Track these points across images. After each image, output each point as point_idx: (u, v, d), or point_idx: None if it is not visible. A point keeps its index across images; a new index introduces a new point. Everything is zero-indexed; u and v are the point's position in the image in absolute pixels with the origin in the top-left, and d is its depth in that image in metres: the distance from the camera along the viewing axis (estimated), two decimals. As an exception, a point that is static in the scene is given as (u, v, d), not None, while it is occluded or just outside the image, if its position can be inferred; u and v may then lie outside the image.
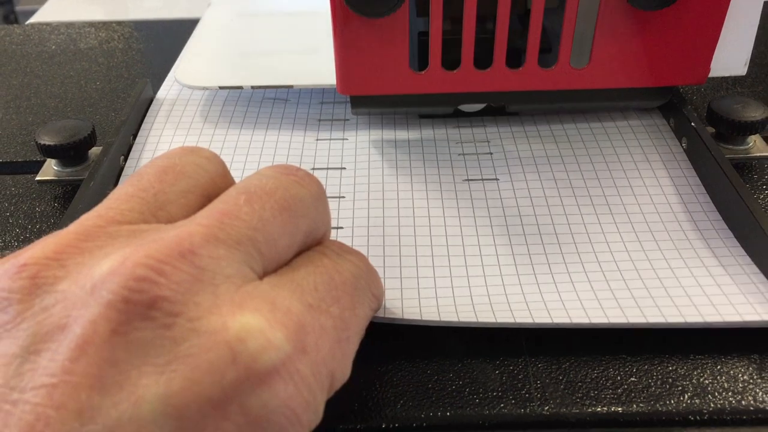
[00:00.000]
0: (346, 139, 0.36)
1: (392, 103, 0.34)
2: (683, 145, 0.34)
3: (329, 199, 0.31)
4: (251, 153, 0.34)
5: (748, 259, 0.27)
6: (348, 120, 0.37)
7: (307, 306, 0.18)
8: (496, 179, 0.32)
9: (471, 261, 0.28)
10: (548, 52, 0.33)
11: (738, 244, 0.28)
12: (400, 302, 0.26)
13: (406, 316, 0.25)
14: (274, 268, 0.19)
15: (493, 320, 0.24)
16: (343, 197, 0.31)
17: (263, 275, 0.19)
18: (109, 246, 0.18)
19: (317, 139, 0.36)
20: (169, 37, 0.48)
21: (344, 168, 0.33)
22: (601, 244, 0.29)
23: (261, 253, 0.18)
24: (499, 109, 0.36)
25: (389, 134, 0.36)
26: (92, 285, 0.16)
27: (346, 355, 0.20)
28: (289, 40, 0.41)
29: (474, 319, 0.25)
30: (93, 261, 0.17)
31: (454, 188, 0.32)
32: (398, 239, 0.29)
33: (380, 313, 0.24)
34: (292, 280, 0.19)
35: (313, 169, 0.33)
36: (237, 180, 0.22)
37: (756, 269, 0.27)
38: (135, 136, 0.36)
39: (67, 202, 0.32)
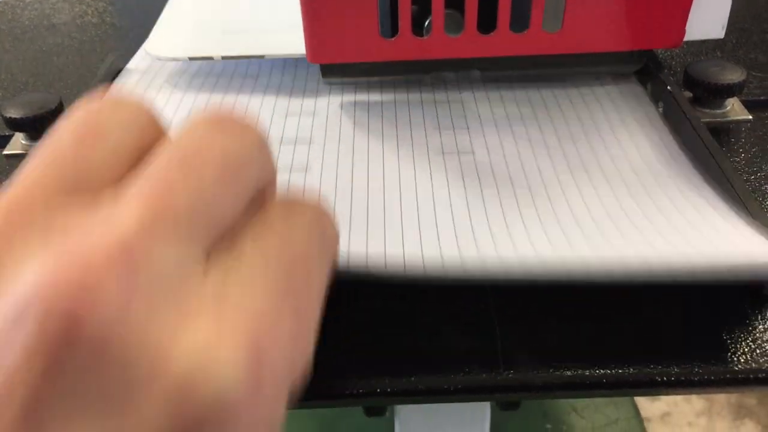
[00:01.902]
0: (319, 105, 0.35)
1: (362, 71, 0.33)
2: (660, 109, 0.33)
3: (293, 172, 0.30)
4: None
5: (723, 203, 0.27)
6: (320, 89, 0.37)
7: (259, 298, 0.16)
8: (470, 143, 0.32)
9: (441, 213, 0.27)
10: (520, 17, 0.33)
11: (715, 193, 0.28)
12: (364, 251, 0.24)
13: (371, 269, 0.23)
14: (218, 240, 0.17)
15: (459, 264, 0.24)
16: (310, 168, 0.31)
17: (208, 256, 0.17)
18: (27, 237, 0.15)
19: (289, 98, 0.35)
20: (143, 12, 0.47)
21: (312, 142, 0.32)
22: (576, 198, 0.28)
23: (203, 231, 0.16)
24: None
25: (362, 97, 0.35)
26: (6, 312, 0.14)
27: (306, 346, 0.18)
28: (262, 14, 0.40)
29: (441, 268, 0.23)
30: (7, 266, 0.15)
31: (427, 151, 0.31)
32: (366, 185, 0.28)
33: (343, 264, 0.23)
34: (239, 267, 0.17)
35: (282, 140, 0.33)
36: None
37: (731, 210, 0.26)
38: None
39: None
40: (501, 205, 0.27)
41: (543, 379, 0.22)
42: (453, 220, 0.26)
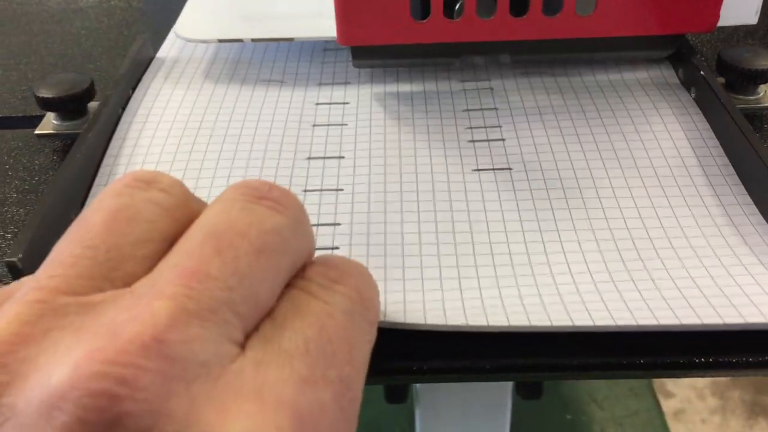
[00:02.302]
0: (348, 88, 0.35)
1: (393, 54, 0.33)
2: (692, 95, 0.33)
3: (328, 159, 0.30)
4: (251, 109, 0.34)
5: (754, 209, 0.27)
6: (350, 73, 0.37)
7: (301, 383, 0.15)
8: (503, 139, 0.31)
9: (480, 250, 0.26)
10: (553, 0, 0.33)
11: (745, 192, 0.28)
12: (402, 305, 0.23)
13: (408, 320, 0.22)
14: (256, 324, 0.16)
15: (505, 323, 0.22)
16: (343, 157, 0.31)
17: (245, 340, 0.16)
18: (57, 331, 0.15)
19: (320, 84, 0.35)
20: (170, -4, 0.48)
21: (345, 125, 0.33)
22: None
23: (240, 316, 0.16)
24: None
25: (392, 87, 0.35)
26: (41, 403, 0.13)
27: (351, 420, 0.17)
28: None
29: (485, 323, 0.22)
30: (40, 360, 0.14)
31: (459, 152, 0.30)
32: (400, 227, 0.27)
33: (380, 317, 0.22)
34: (279, 348, 0.16)
35: (315, 125, 0.33)
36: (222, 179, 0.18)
37: (761, 219, 0.26)
38: (134, 89, 0.35)
39: (65, 155, 0.32)
40: (537, 221, 0.27)
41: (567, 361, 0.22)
42: (492, 251, 0.25)
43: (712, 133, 0.31)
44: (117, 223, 0.17)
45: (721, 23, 0.32)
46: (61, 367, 0.14)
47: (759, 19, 0.34)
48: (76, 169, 0.28)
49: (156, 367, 0.14)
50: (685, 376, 0.23)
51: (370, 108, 0.34)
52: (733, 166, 0.29)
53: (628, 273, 0.24)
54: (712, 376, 0.23)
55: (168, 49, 0.39)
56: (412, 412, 0.53)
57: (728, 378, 0.97)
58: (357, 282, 0.19)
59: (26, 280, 0.17)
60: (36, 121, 0.33)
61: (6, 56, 0.41)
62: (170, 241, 0.17)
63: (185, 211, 0.18)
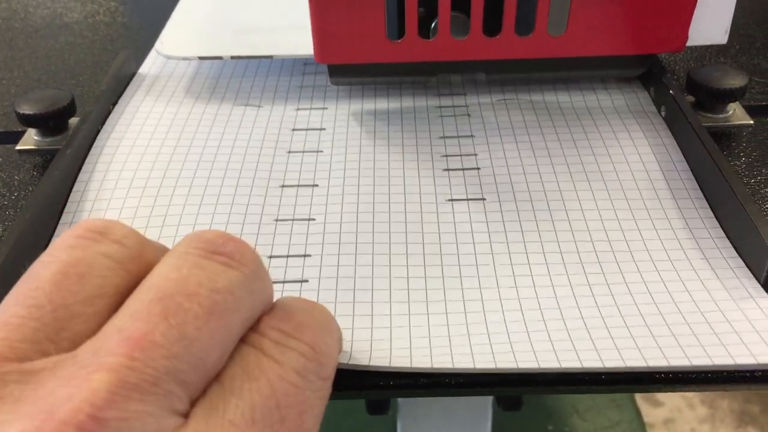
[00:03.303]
0: (326, 108, 0.36)
1: (370, 72, 0.34)
2: (662, 113, 0.34)
3: (301, 188, 0.30)
4: (227, 133, 0.34)
5: (714, 222, 0.28)
6: (328, 89, 0.37)
7: None
8: (477, 168, 0.31)
9: (450, 296, 0.25)
10: (525, 20, 0.33)
11: (708, 208, 0.28)
12: (369, 344, 0.23)
13: (373, 363, 0.22)
14: (202, 388, 0.16)
15: (471, 365, 0.22)
16: (317, 185, 0.31)
17: (189, 409, 0.15)
18: None
19: (297, 108, 0.36)
20: (153, 12, 0.48)
21: (321, 152, 0.33)
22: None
23: (185, 384, 0.15)
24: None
25: (369, 105, 0.36)
26: None
27: None
28: (272, 15, 0.41)
29: (450, 365, 0.22)
30: None
31: (434, 181, 0.30)
32: (371, 260, 0.27)
33: (344, 359, 0.22)
34: (223, 419, 0.15)
35: (290, 152, 0.33)
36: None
37: (721, 233, 0.27)
38: (114, 105, 0.36)
39: (45, 170, 0.32)
40: (509, 254, 0.27)
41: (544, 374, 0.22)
42: (462, 286, 0.25)
43: (680, 152, 0.31)
44: (67, 279, 0.16)
45: (691, 43, 0.33)
46: None
47: (730, 38, 0.35)
48: (54, 185, 0.29)
49: None
50: (669, 390, 0.23)
51: (347, 134, 0.34)
52: (698, 183, 0.30)
53: (598, 309, 0.24)
54: (696, 391, 0.23)
55: (150, 64, 0.40)
56: (394, 423, 0.54)
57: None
58: (314, 335, 0.18)
59: None
60: (17, 136, 0.34)
61: (-10, 71, 0.41)
62: (123, 295, 0.17)
63: (139, 263, 0.18)
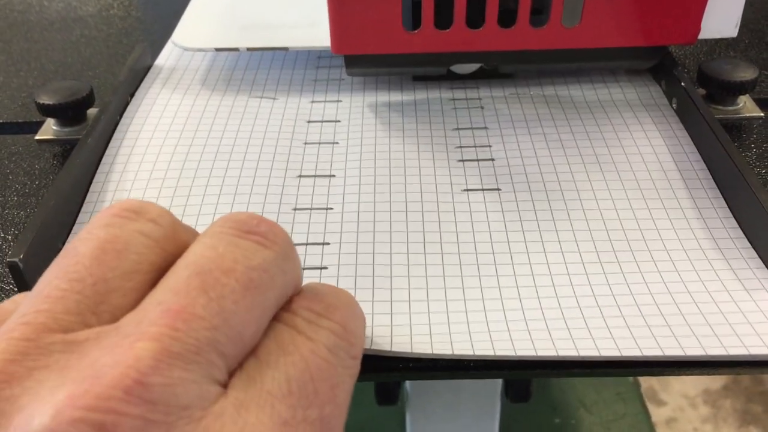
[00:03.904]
0: (341, 101, 0.36)
1: (385, 63, 0.34)
2: (673, 106, 0.34)
3: (318, 178, 0.30)
4: (243, 124, 0.34)
5: (728, 212, 0.28)
6: (343, 81, 0.38)
7: (281, 426, 0.15)
8: (492, 159, 0.32)
9: (468, 281, 0.26)
10: (540, 13, 0.34)
11: (722, 198, 0.29)
12: (389, 330, 0.24)
13: (394, 349, 0.23)
14: (240, 361, 0.16)
15: (491, 352, 0.22)
16: (334, 176, 0.31)
17: (229, 378, 0.16)
18: (42, 371, 0.15)
19: (312, 101, 0.36)
20: (167, 6, 0.48)
21: (336, 143, 0.33)
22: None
23: (224, 355, 0.16)
24: (492, 71, 0.37)
25: (383, 97, 0.36)
26: None
27: None
28: (287, 9, 0.41)
29: (470, 352, 0.23)
30: (24, 400, 0.14)
31: (449, 171, 0.31)
32: (389, 248, 0.27)
33: (366, 344, 0.23)
34: (261, 389, 0.16)
35: (306, 143, 0.33)
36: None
37: (734, 223, 0.27)
38: (132, 96, 0.36)
39: (65, 160, 0.33)
40: (525, 242, 0.27)
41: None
42: (479, 273, 0.26)
43: (692, 143, 0.32)
44: (105, 254, 0.17)
45: (701, 36, 0.34)
46: (42, 410, 0.14)
47: (740, 32, 0.35)
48: (75, 174, 0.29)
49: (137, 412, 0.14)
50: (678, 374, 0.24)
51: (362, 126, 0.34)
52: (711, 174, 0.30)
53: (614, 298, 0.25)
54: (708, 374, 0.24)
55: (166, 57, 0.40)
56: (403, 414, 0.54)
57: (720, 386, 0.98)
58: (342, 315, 0.18)
59: (19, 299, 0.17)
60: (36, 126, 0.34)
61: (7, 63, 0.42)
62: (159, 272, 0.17)
63: (174, 242, 0.18)
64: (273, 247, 0.18)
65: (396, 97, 0.36)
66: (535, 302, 0.25)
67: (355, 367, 0.19)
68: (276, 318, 0.18)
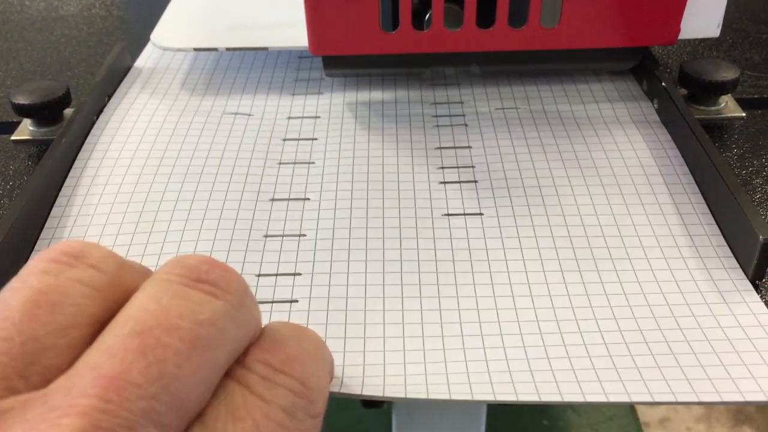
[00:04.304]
0: (319, 117, 0.35)
1: (364, 63, 0.34)
2: (655, 106, 0.34)
3: (292, 201, 0.29)
4: (216, 140, 0.33)
5: (710, 218, 0.28)
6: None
7: None
8: (475, 181, 0.30)
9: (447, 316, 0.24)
10: (518, 12, 0.33)
11: (704, 203, 0.28)
12: (361, 369, 0.22)
13: (365, 393, 0.21)
14: (182, 430, 0.15)
15: (469, 396, 0.21)
16: (308, 199, 0.30)
17: None
18: None
19: (289, 117, 0.35)
20: (149, 6, 0.48)
21: (312, 163, 0.32)
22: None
23: (163, 427, 0.14)
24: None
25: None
26: None
27: None
28: (265, 9, 0.41)
29: (447, 396, 0.21)
30: None
31: (430, 195, 0.29)
32: (364, 279, 0.25)
33: (335, 387, 0.21)
34: None
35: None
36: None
37: (715, 225, 0.27)
38: (110, 96, 0.36)
39: (40, 160, 0.33)
40: (508, 272, 0.26)
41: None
42: (458, 307, 0.24)
43: (674, 144, 0.32)
44: (38, 308, 0.15)
45: (683, 36, 0.33)
46: None
47: (723, 32, 0.35)
48: (48, 175, 0.29)
49: None
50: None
51: (339, 143, 0.33)
52: (692, 175, 0.30)
53: (601, 335, 0.23)
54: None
55: (146, 58, 0.40)
56: (389, 417, 0.54)
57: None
58: (303, 369, 0.17)
59: None
60: (13, 127, 0.34)
61: (-15, 63, 0.41)
62: (100, 325, 0.16)
63: (118, 289, 0.16)
64: (225, 297, 0.16)
65: (377, 107, 0.35)
66: (517, 339, 0.23)
67: (315, 427, 0.17)
68: (229, 373, 0.16)
